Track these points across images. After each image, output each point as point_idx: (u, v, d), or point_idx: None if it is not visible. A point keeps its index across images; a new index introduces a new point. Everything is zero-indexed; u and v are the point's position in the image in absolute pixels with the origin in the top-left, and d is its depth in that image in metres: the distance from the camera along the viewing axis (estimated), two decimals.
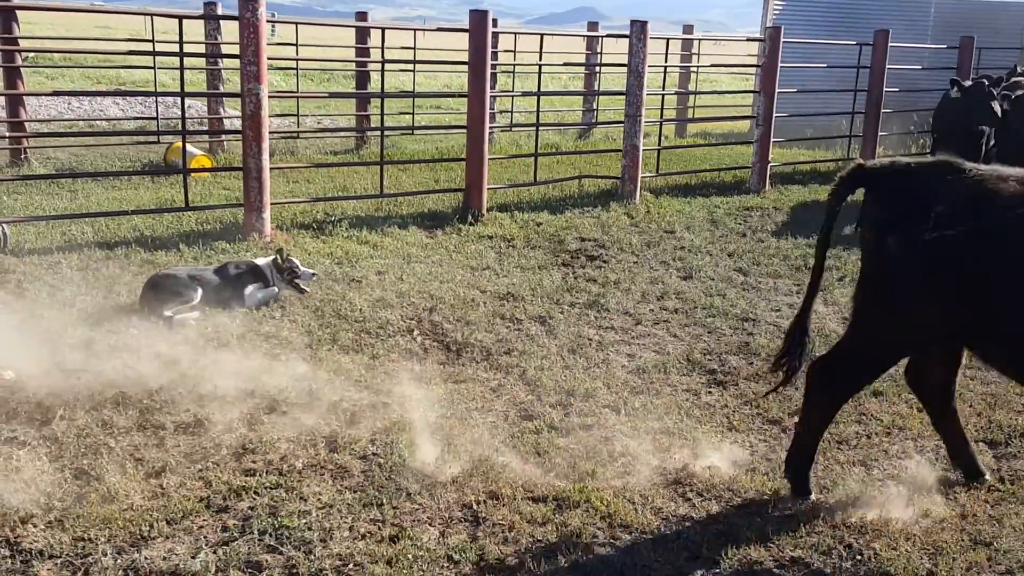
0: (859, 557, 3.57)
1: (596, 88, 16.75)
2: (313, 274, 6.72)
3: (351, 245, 8.02)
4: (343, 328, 5.96)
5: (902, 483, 4.17)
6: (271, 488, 3.89)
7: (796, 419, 4.33)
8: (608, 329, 6.27)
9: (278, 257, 6.57)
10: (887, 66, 12.38)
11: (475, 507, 3.83)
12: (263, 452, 4.21)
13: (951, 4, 19.31)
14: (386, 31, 9.54)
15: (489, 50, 9.06)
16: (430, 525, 3.69)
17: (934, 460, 4.43)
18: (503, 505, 3.85)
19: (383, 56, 9.32)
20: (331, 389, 4.95)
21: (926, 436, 4.68)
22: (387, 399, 4.89)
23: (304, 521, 3.64)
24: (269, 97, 7.89)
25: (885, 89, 12.52)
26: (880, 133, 12.84)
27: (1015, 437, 4.69)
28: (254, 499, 3.80)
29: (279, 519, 3.64)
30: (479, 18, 8.82)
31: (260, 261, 6.58)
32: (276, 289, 6.51)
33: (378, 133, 10.23)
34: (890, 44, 12.31)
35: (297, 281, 6.57)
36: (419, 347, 5.76)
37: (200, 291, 6.13)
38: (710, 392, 5.27)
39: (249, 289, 6.39)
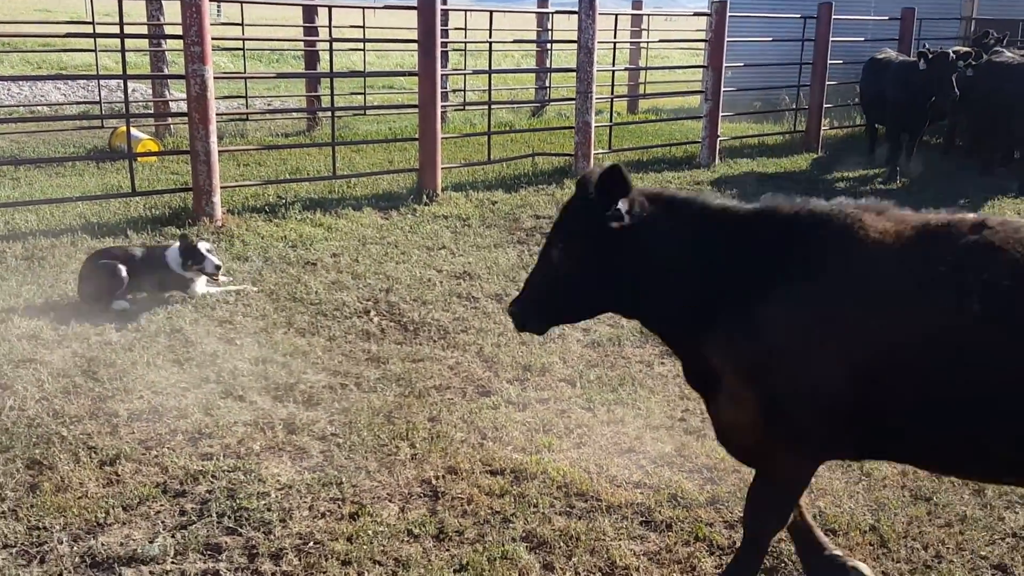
0: None
1: (548, 65, 16.76)
2: (218, 266, 6.11)
3: (305, 228, 7.98)
4: (299, 311, 5.95)
5: None
6: (229, 471, 3.91)
7: None
8: None
9: (183, 242, 6.13)
10: (831, 39, 12.56)
11: (434, 482, 3.89)
12: (220, 436, 4.22)
13: None
14: (333, 9, 9.42)
15: (439, 28, 9.03)
16: (390, 501, 3.74)
17: None
18: (462, 479, 3.91)
19: (331, 35, 9.21)
20: (287, 372, 4.96)
21: None
22: (345, 380, 4.92)
23: (263, 502, 3.67)
24: (216, 78, 7.79)
25: (829, 61, 12.70)
26: (825, 105, 13.04)
27: None
28: (212, 483, 3.82)
29: (237, 501, 3.66)
30: None
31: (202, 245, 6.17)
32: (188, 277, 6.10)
33: (329, 114, 10.15)
34: (833, 17, 12.48)
35: (197, 268, 6.07)
36: (376, 328, 5.77)
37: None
38: (662, 363, 5.37)
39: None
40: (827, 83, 12.84)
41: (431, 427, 4.40)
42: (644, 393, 4.89)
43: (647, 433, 4.41)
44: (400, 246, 7.54)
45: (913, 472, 4.04)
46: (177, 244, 6.17)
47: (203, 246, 6.16)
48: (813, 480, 3.92)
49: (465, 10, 15.45)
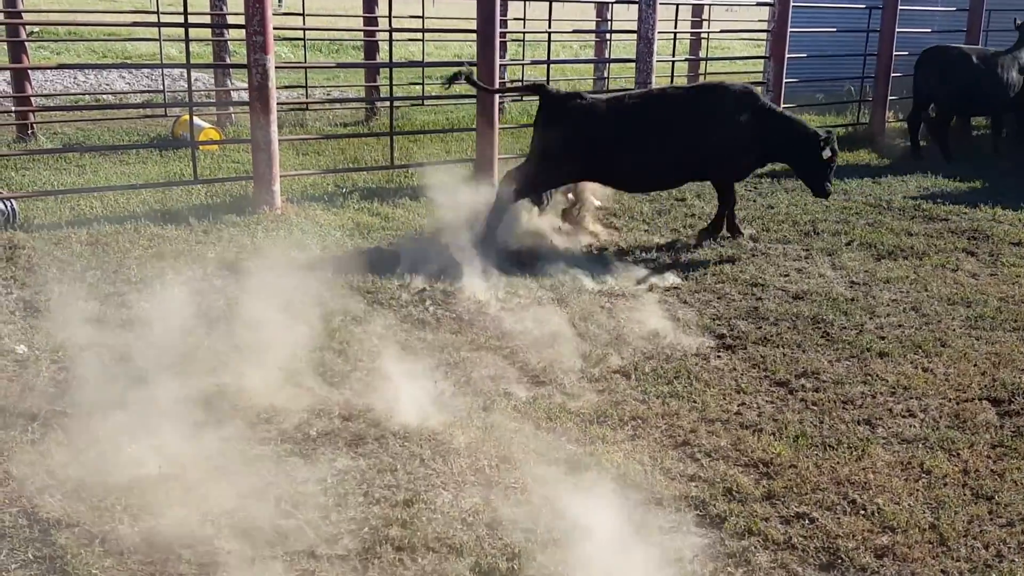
0: (862, 512, 3.63)
1: (607, 56, 16.64)
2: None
3: (363, 217, 8.07)
4: (355, 299, 6.02)
5: (904, 441, 4.23)
6: (286, 456, 3.97)
7: None
8: (618, 296, 6.31)
9: None
10: (896, 29, 12.25)
11: (488, 471, 3.90)
12: (278, 422, 4.29)
13: None
14: (393, 0, 9.48)
15: (498, 18, 9.03)
16: (444, 489, 3.77)
17: (937, 419, 4.48)
18: (515, 469, 3.92)
19: (390, 25, 9.27)
20: (344, 359, 5.02)
21: (930, 395, 4.73)
22: (399, 367, 4.96)
23: (319, 487, 3.72)
24: (276, 68, 7.90)
25: (894, 53, 12.40)
26: (890, 97, 12.73)
27: (1018, 395, 4.73)
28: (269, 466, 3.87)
29: (295, 486, 3.72)
30: None
31: None
32: None
33: (388, 104, 10.22)
34: (899, 7, 12.16)
35: None
36: (431, 316, 5.81)
37: None
38: (719, 356, 5.32)
39: None
40: (892, 75, 12.53)
41: (485, 416, 4.42)
42: (699, 386, 4.85)
43: (702, 426, 4.38)
44: (459, 233, 7.55)
45: (975, 471, 3.95)
46: None
47: None
48: (871, 476, 3.87)
49: (525, 0, 15.43)
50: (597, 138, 7.18)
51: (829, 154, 7.49)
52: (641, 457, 4.06)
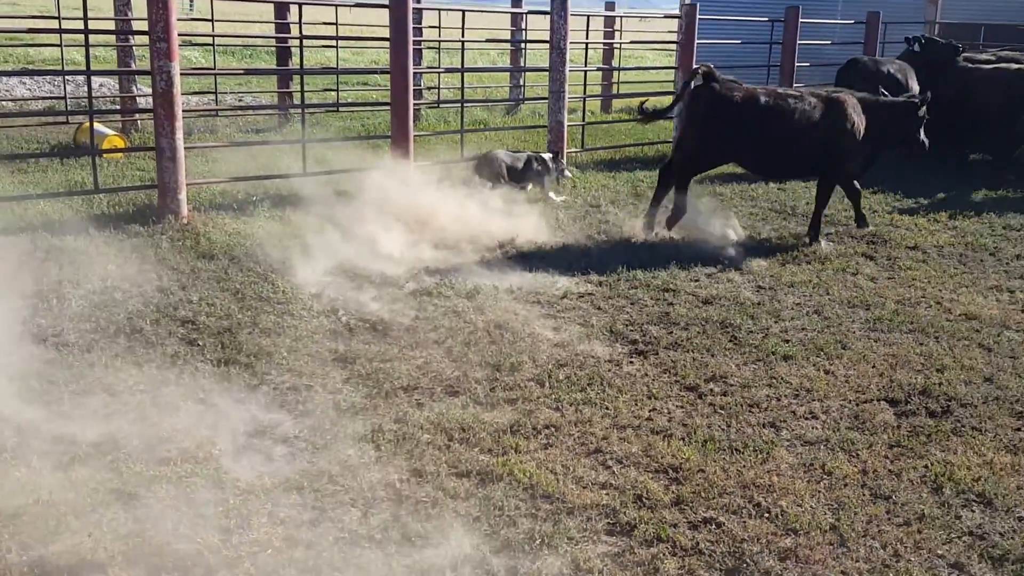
0: (767, 515, 3.71)
1: (523, 65, 16.75)
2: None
3: (273, 225, 7.92)
4: (265, 310, 5.90)
5: (806, 443, 4.35)
6: (187, 476, 3.84)
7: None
8: (535, 304, 6.33)
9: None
10: (798, 42, 12.66)
11: (398, 486, 3.85)
12: (178, 441, 4.15)
13: None
14: (303, 7, 9.34)
15: (411, 25, 8.98)
16: (352, 506, 3.70)
17: (838, 420, 4.62)
18: (427, 482, 3.88)
19: (301, 32, 9.15)
20: (251, 374, 4.91)
21: (831, 397, 4.88)
22: (310, 381, 4.88)
23: (221, 508, 3.61)
24: (184, 74, 7.70)
25: (797, 64, 12.81)
26: None
27: (914, 395, 4.91)
28: (168, 488, 3.75)
29: (195, 508, 3.60)
30: None
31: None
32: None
33: (301, 111, 10.08)
34: (800, 20, 12.58)
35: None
36: (344, 327, 5.73)
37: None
38: (631, 362, 5.38)
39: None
40: (795, 85, 12.93)
41: (397, 429, 4.37)
42: (612, 393, 4.90)
43: (614, 433, 4.42)
44: (371, 243, 7.48)
45: (873, 471, 4.08)
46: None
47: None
48: (776, 479, 3.97)
49: (439, 9, 15.42)
50: (749, 130, 8.10)
51: (924, 111, 8.37)
52: (554, 466, 4.07)
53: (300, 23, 9.06)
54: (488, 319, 5.94)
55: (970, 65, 11.80)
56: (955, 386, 5.02)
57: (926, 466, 4.13)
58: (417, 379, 4.98)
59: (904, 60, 12.36)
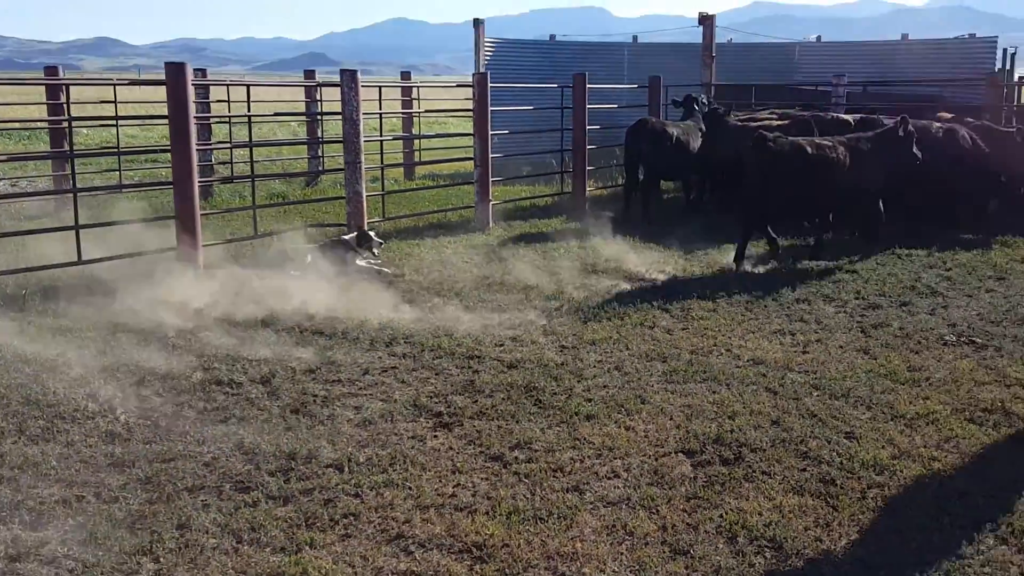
0: None
1: (320, 136, 16.56)
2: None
3: (46, 320, 7.27)
4: (33, 415, 5.34)
5: (609, 503, 4.35)
6: None
7: None
8: (335, 383, 6.10)
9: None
10: (588, 106, 13.24)
11: None
12: None
13: (641, 48, 21.21)
14: (71, 87, 8.78)
15: (191, 103, 8.64)
16: None
17: (639, 477, 4.66)
18: None
19: (69, 114, 8.60)
20: (13, 489, 4.39)
21: (631, 454, 4.94)
22: (82, 491, 4.43)
23: None
24: None
25: (588, 127, 13.37)
26: (588, 167, 13.68)
27: (709, 444, 5.05)
28: None
29: None
30: (176, 71, 8.39)
31: None
32: None
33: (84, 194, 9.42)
34: (588, 85, 13.17)
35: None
36: (122, 427, 5.27)
37: None
38: (435, 435, 5.25)
39: None
40: (588, 147, 13.48)
41: (180, 536, 4.01)
42: (415, 471, 4.73)
43: (417, 515, 4.25)
44: (157, 332, 7.01)
45: (672, 527, 4.12)
46: None
47: None
48: (579, 546, 3.91)
49: (227, 84, 15.01)
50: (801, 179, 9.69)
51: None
52: (352, 558, 3.85)
53: (68, 103, 8.50)
54: (284, 404, 5.65)
55: (739, 124, 12.71)
56: (745, 432, 5.20)
57: (721, 515, 4.22)
58: (203, 478, 4.63)
59: (690, 120, 13.22)
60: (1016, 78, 16.87)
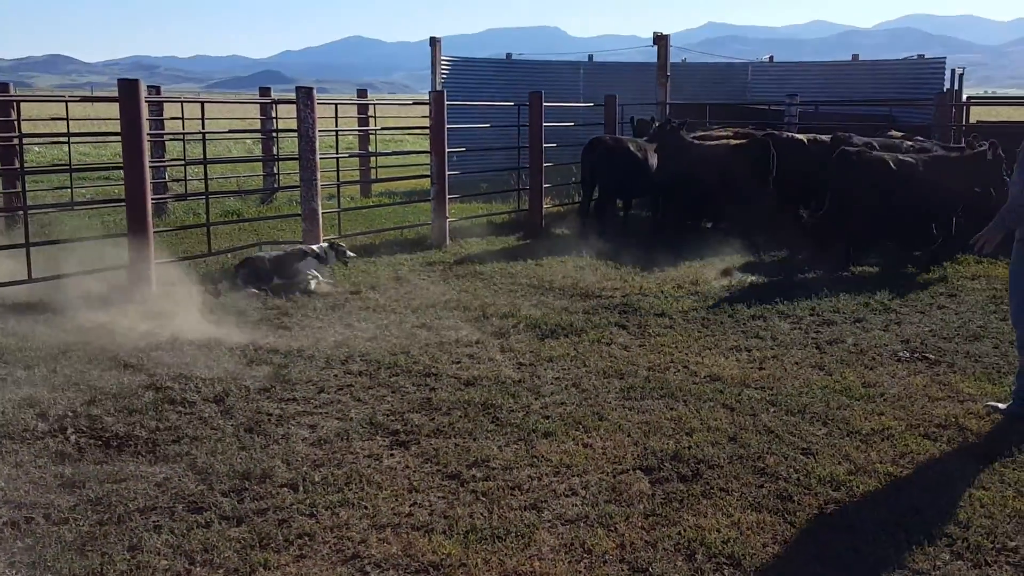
0: None
1: (275, 153, 16.45)
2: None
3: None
4: None
5: (567, 521, 4.34)
6: None
7: None
8: (290, 401, 6.03)
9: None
10: (544, 124, 13.32)
11: None
12: None
13: (596, 67, 21.45)
14: (22, 103, 8.64)
15: (144, 120, 8.54)
16: None
17: (597, 494, 4.66)
18: None
19: (19, 131, 8.45)
20: None
21: (589, 471, 4.94)
22: (31, 512, 4.32)
23: None
24: None
25: (544, 145, 13.45)
26: (545, 185, 13.75)
27: (667, 461, 5.07)
28: None
29: None
30: (129, 88, 8.29)
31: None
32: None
33: (35, 212, 9.25)
34: (544, 103, 13.26)
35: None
36: (72, 447, 5.16)
37: None
38: (392, 454, 5.21)
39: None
40: (544, 164, 13.55)
41: (131, 558, 3.93)
42: (372, 490, 4.69)
43: (373, 534, 4.20)
44: (108, 351, 6.89)
45: (631, 544, 4.13)
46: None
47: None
48: (537, 565, 3.90)
49: (181, 101, 14.86)
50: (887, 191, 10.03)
51: None
52: None
53: (19, 120, 8.35)
54: (238, 423, 5.57)
55: (694, 142, 12.89)
56: (703, 448, 5.24)
57: (679, 532, 4.23)
58: (155, 498, 4.54)
59: (645, 139, 13.35)
60: (964, 98, 17.36)
